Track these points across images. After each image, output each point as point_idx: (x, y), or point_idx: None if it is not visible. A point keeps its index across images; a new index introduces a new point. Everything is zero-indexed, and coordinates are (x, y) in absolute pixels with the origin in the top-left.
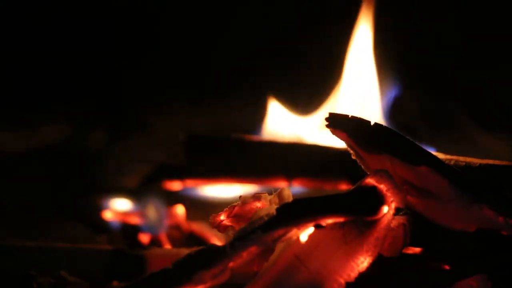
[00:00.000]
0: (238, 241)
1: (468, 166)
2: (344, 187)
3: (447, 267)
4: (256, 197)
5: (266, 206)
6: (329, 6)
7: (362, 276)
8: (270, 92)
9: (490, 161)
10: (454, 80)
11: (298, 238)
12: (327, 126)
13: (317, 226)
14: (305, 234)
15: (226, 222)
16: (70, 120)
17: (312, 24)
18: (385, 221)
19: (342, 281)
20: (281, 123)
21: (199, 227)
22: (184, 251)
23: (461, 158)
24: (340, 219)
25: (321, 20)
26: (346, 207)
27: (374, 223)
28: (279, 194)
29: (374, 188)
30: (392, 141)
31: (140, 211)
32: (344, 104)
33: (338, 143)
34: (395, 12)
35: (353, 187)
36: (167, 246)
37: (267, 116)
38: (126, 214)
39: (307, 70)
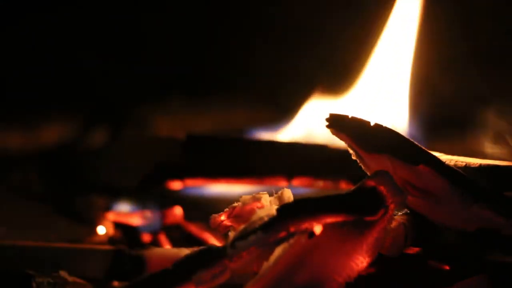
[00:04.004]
0: (238, 241)
1: (468, 166)
2: (344, 187)
3: (447, 267)
4: (256, 197)
5: (266, 207)
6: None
7: (362, 276)
8: (270, 93)
9: (490, 161)
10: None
11: (298, 238)
12: (328, 126)
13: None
14: (305, 234)
15: (227, 222)
16: (70, 120)
17: (313, 24)
18: (385, 221)
19: (341, 281)
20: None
21: (199, 227)
22: (184, 251)
23: (461, 158)
24: (340, 219)
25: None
26: (346, 207)
27: (374, 223)
28: (280, 196)
29: (374, 188)
30: (392, 141)
31: (140, 211)
32: (351, 109)
33: (339, 143)
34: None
35: (353, 188)
36: (167, 246)
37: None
38: (126, 214)
39: (308, 70)
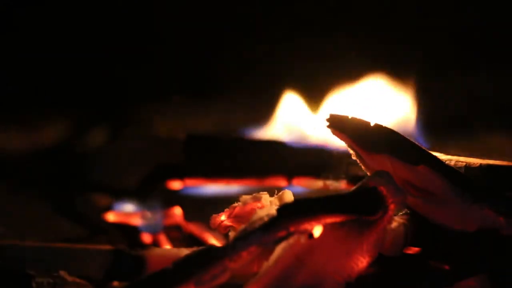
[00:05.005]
0: (239, 241)
1: (468, 166)
2: (344, 187)
3: (447, 267)
4: (256, 197)
5: (266, 207)
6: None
7: (362, 276)
8: (269, 92)
9: (490, 161)
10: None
11: (298, 238)
12: (328, 126)
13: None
14: (305, 234)
15: (227, 222)
16: (70, 120)
17: (313, 24)
18: (385, 221)
19: (342, 281)
20: (281, 122)
21: (199, 227)
22: (184, 251)
23: (461, 158)
24: (341, 219)
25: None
26: (347, 207)
27: (374, 223)
28: (280, 197)
29: (374, 188)
30: (392, 141)
31: (140, 211)
32: (349, 105)
33: (339, 143)
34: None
35: (354, 188)
36: (167, 246)
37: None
38: (126, 214)
39: (308, 70)
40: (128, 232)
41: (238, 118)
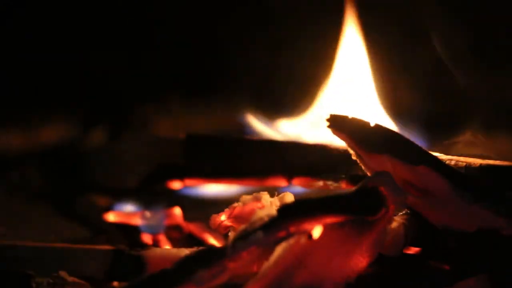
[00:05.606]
0: (238, 241)
1: (468, 166)
2: (344, 187)
3: (447, 267)
4: (256, 197)
5: (266, 207)
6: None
7: (362, 276)
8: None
9: (491, 161)
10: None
11: (298, 238)
12: (328, 126)
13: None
14: (305, 234)
15: (227, 222)
16: (70, 120)
17: (307, 22)
18: (385, 221)
19: (341, 281)
20: (275, 123)
21: (199, 227)
22: (184, 251)
23: (461, 158)
24: (341, 219)
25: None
26: (347, 207)
27: (374, 223)
28: (281, 198)
29: (374, 189)
30: (392, 141)
31: (140, 211)
32: (337, 102)
33: (339, 143)
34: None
35: (354, 188)
36: (167, 246)
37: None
38: (126, 214)
39: (307, 70)
40: (128, 232)
41: (238, 118)
